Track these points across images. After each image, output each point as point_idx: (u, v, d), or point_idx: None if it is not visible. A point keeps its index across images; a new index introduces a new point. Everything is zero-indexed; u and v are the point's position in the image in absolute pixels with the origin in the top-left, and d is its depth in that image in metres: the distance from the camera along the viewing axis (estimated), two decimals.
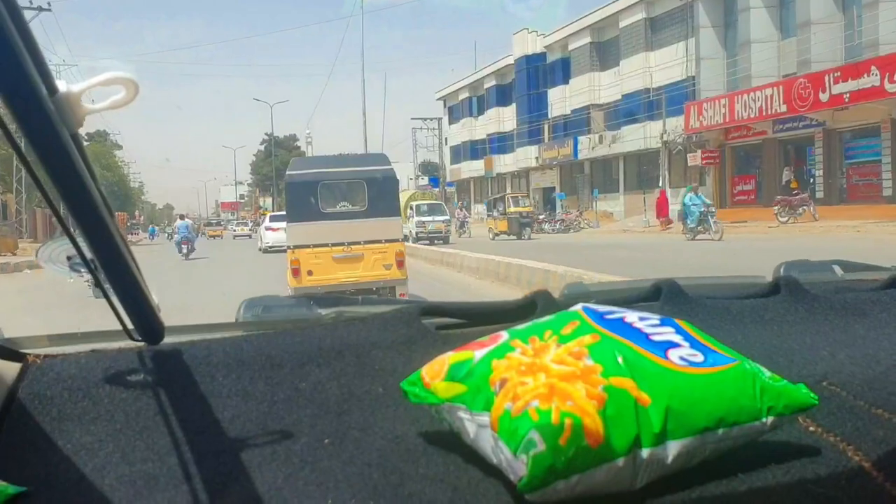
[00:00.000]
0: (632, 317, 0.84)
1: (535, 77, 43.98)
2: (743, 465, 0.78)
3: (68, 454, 0.80)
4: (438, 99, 60.29)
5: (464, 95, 54.95)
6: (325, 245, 8.64)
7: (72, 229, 0.77)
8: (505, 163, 49.35)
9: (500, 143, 49.55)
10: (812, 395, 0.80)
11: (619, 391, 0.72)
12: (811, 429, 0.87)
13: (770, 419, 0.77)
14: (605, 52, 38.67)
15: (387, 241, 8.81)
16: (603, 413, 0.70)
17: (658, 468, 0.73)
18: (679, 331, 0.83)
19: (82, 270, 0.86)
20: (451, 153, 58.48)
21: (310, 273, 8.60)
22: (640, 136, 34.60)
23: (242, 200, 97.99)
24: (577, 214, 35.30)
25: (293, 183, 8.73)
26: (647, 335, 0.80)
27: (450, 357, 0.83)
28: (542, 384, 0.72)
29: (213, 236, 55.34)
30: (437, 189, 58.67)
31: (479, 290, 11.85)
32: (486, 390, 0.76)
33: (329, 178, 8.97)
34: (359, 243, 8.70)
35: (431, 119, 61.65)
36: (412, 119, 61.58)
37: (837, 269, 1.52)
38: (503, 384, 0.75)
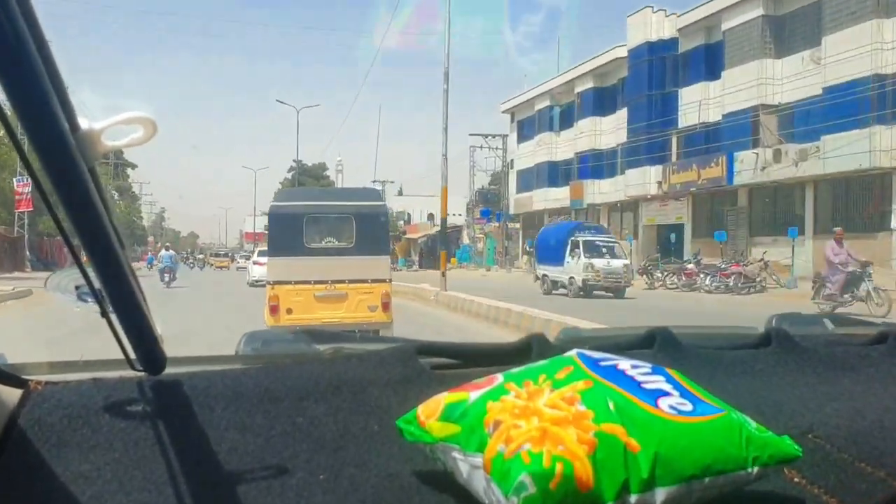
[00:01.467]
0: (624, 364, 0.86)
1: (660, 72, 31.65)
2: None
3: (67, 481, 0.81)
4: (505, 111, 48.41)
5: (542, 105, 42.32)
6: (307, 282, 8.24)
7: (82, 259, 0.78)
8: (601, 190, 37.15)
9: (595, 163, 37.44)
10: (796, 446, 0.82)
11: (610, 437, 0.73)
12: (796, 479, 0.89)
13: (755, 469, 0.79)
14: (789, 30, 26.41)
15: (373, 280, 8.41)
16: (593, 458, 0.72)
17: None
18: (669, 380, 0.84)
19: (89, 300, 0.86)
20: (519, 179, 46.36)
21: (289, 311, 8.15)
22: (861, 148, 22.26)
23: (267, 231, 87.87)
24: (761, 265, 22.04)
25: (277, 215, 8.42)
26: (638, 383, 0.82)
27: (445, 397, 0.85)
28: (534, 428, 0.74)
29: (220, 267, 54.49)
30: (496, 223, 46.65)
31: None
32: (480, 431, 0.78)
33: (315, 212, 8.55)
34: (343, 282, 8.32)
35: (494, 136, 49.88)
36: (471, 135, 50.12)
37: (828, 322, 1.55)
38: (497, 426, 0.76)
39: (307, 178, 77.67)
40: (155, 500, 0.79)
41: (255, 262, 26.14)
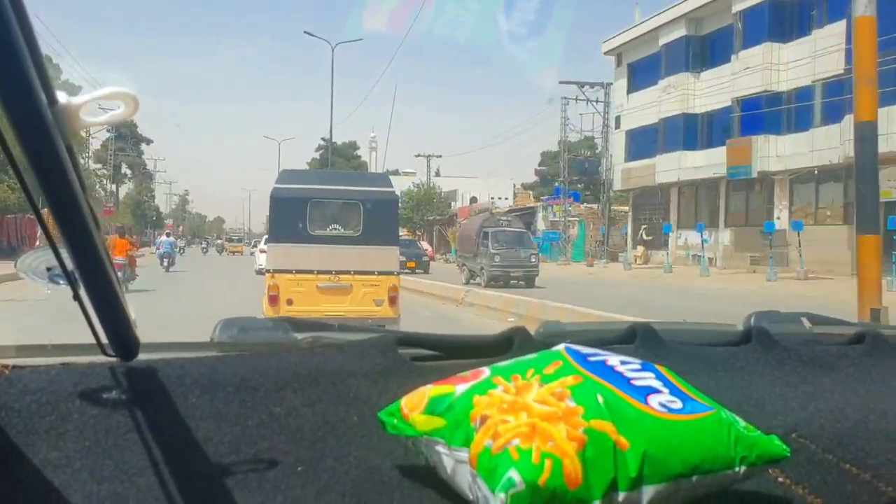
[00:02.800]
0: (613, 360, 0.85)
1: None
2: None
3: (35, 469, 0.79)
4: (609, 52, 36.40)
5: (672, 35, 30.20)
6: (310, 272, 7.70)
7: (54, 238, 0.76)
8: (779, 151, 25.16)
9: (771, 109, 25.36)
10: (784, 446, 0.81)
11: (600, 434, 0.73)
12: (780, 479, 0.88)
13: (743, 469, 0.78)
14: None
15: (380, 272, 7.82)
16: (582, 455, 0.71)
17: None
18: (659, 376, 0.84)
19: (61, 282, 0.83)
20: (629, 142, 34.42)
21: (289, 302, 7.62)
22: None
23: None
24: None
25: (279, 198, 7.81)
26: (628, 379, 0.81)
27: (430, 390, 0.83)
28: (523, 423, 0.73)
29: (234, 252, 53.32)
30: (578, 204, 34.86)
31: None
32: (466, 426, 0.76)
33: (321, 196, 7.96)
34: (348, 273, 7.76)
35: (593, 86, 37.85)
36: (561, 83, 38.02)
37: (805, 321, 1.53)
38: (484, 421, 0.75)
39: (336, 157, 72.02)
40: (127, 490, 0.77)
41: (260, 250, 24.85)
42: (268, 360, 1.03)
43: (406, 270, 22.54)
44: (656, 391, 0.80)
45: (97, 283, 0.78)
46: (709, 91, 28.55)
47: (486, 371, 0.83)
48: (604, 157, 37.15)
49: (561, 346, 0.86)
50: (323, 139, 72.93)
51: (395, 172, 54.82)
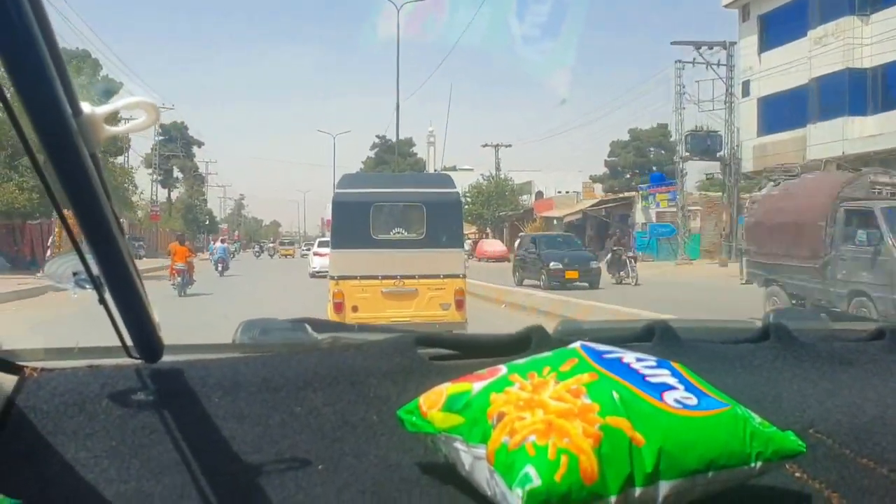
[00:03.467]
0: (629, 357, 0.85)
1: None
2: None
3: (64, 468, 0.81)
4: (729, 5, 30.05)
5: None
6: (374, 277, 7.51)
7: (81, 244, 0.77)
8: None
9: None
10: (800, 442, 0.82)
11: (615, 430, 0.73)
12: (797, 475, 0.88)
13: (759, 464, 0.79)
14: None
15: (445, 276, 7.59)
16: (598, 451, 0.72)
17: None
18: (674, 373, 0.84)
19: (87, 286, 0.85)
20: (762, 112, 27.94)
21: (355, 309, 7.43)
22: None
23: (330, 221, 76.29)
24: None
25: (341, 203, 7.73)
26: (643, 376, 0.81)
27: (448, 388, 0.84)
28: (539, 420, 0.74)
29: (285, 255, 54.16)
30: (673, 191, 28.72)
31: None
32: (484, 423, 0.77)
33: (383, 200, 7.83)
34: (413, 277, 7.55)
35: (711, 46, 31.31)
36: (673, 44, 31.34)
37: (825, 317, 1.54)
38: (501, 418, 0.76)
39: (392, 154, 67.44)
40: (153, 488, 0.79)
41: (315, 253, 25.40)
42: (288, 360, 1.05)
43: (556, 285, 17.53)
44: (672, 388, 0.80)
45: (122, 288, 0.79)
46: (883, 38, 22.02)
47: (502, 369, 0.84)
48: (727, 131, 30.52)
49: (577, 344, 0.87)
50: (377, 136, 70.21)
51: (453, 169, 50.67)
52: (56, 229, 19.81)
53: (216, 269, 25.70)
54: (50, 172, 0.67)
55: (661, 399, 0.78)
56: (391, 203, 7.91)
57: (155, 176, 53.50)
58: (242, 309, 13.67)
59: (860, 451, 0.93)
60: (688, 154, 30.99)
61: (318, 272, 23.10)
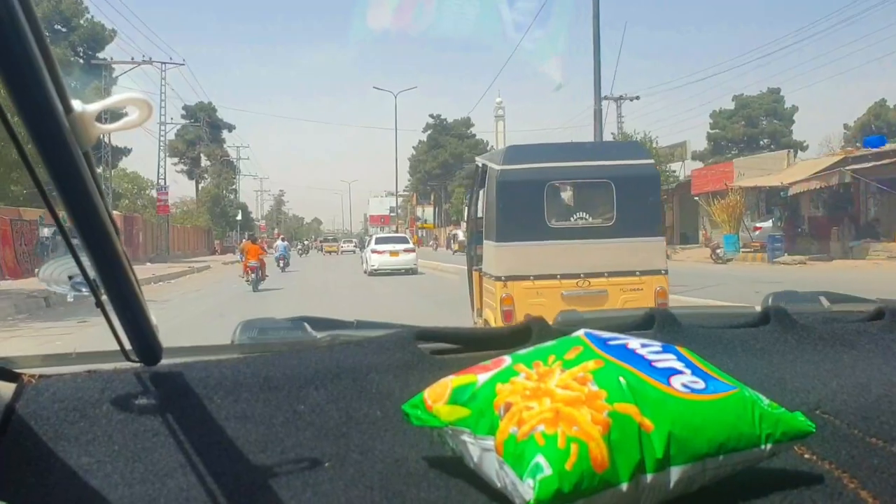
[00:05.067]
0: (634, 343, 0.85)
1: None
2: (741, 492, 0.79)
3: (66, 475, 0.80)
4: None
5: None
6: (552, 277, 5.85)
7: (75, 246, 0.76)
8: None
9: None
10: (809, 423, 0.82)
11: (624, 417, 0.73)
12: (806, 456, 0.88)
13: (769, 446, 0.79)
14: None
15: (643, 272, 5.88)
16: (608, 438, 0.71)
17: (660, 493, 0.74)
18: (680, 358, 0.84)
19: (83, 289, 0.86)
20: None
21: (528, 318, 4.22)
22: None
23: (393, 214, 74.56)
24: None
25: (508, 183, 5.92)
26: (649, 361, 0.81)
27: (453, 380, 0.84)
28: (547, 409, 0.74)
29: (329, 252, 54.03)
30: None
31: None
32: (491, 414, 0.77)
33: (561, 176, 6.17)
34: (601, 275, 5.88)
35: None
36: None
37: (824, 300, 1.53)
38: (508, 408, 0.76)
39: (447, 136, 63.21)
40: (157, 492, 0.78)
41: (373, 251, 24.83)
42: (289, 359, 1.04)
43: None
44: (678, 372, 0.80)
45: (119, 290, 0.79)
46: None
47: (507, 359, 0.84)
48: None
49: (581, 332, 0.87)
50: (431, 116, 64.40)
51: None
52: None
53: (278, 265, 26.61)
54: (43, 175, 0.66)
55: (668, 384, 0.78)
56: (571, 180, 6.37)
57: (162, 152, 41.84)
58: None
59: (868, 430, 0.93)
60: None
61: (376, 270, 23.45)
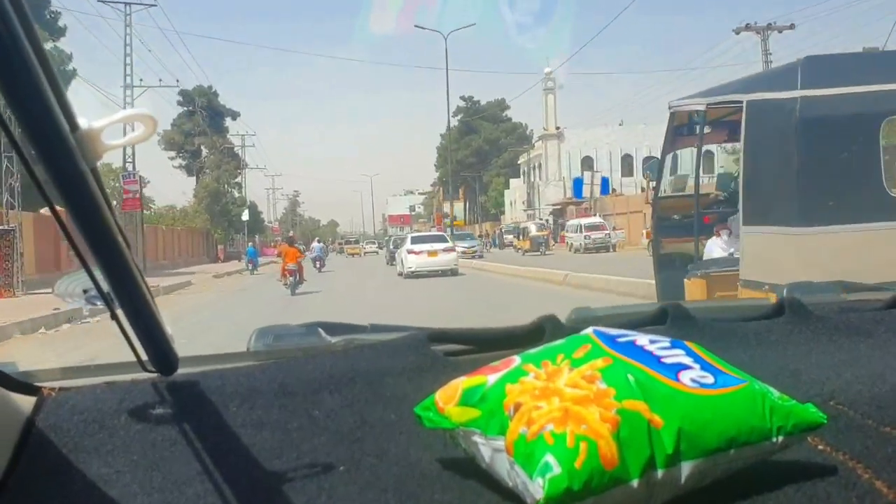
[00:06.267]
0: (642, 340, 0.86)
1: None
2: (754, 485, 0.79)
3: (87, 486, 0.82)
4: None
5: None
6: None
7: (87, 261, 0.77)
8: None
9: None
10: (821, 414, 0.82)
11: (633, 414, 0.74)
12: (820, 447, 0.88)
13: (780, 439, 0.79)
14: None
15: None
16: (617, 436, 0.72)
17: (671, 489, 0.75)
18: (689, 353, 0.84)
19: (98, 303, 0.87)
20: None
21: None
22: None
23: (413, 213, 73.00)
24: None
25: (817, 120, 3.59)
26: (658, 358, 0.82)
27: (463, 382, 0.84)
28: (556, 408, 0.74)
29: (352, 254, 53.52)
30: None
31: None
32: (501, 415, 0.78)
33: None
34: None
35: None
36: None
37: (839, 289, 1.52)
38: (517, 408, 0.76)
39: (480, 121, 58.23)
40: (176, 500, 0.80)
41: (409, 251, 24.01)
42: (303, 364, 1.06)
43: None
44: (687, 367, 0.81)
45: (133, 302, 0.80)
46: None
47: (516, 359, 0.84)
48: None
49: (589, 330, 0.87)
50: (462, 98, 58.48)
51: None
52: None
53: (314, 265, 27.92)
54: (51, 189, 0.67)
55: (677, 379, 0.78)
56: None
57: (127, 126, 21.35)
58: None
59: (882, 420, 0.93)
60: None
61: (413, 272, 22.63)
